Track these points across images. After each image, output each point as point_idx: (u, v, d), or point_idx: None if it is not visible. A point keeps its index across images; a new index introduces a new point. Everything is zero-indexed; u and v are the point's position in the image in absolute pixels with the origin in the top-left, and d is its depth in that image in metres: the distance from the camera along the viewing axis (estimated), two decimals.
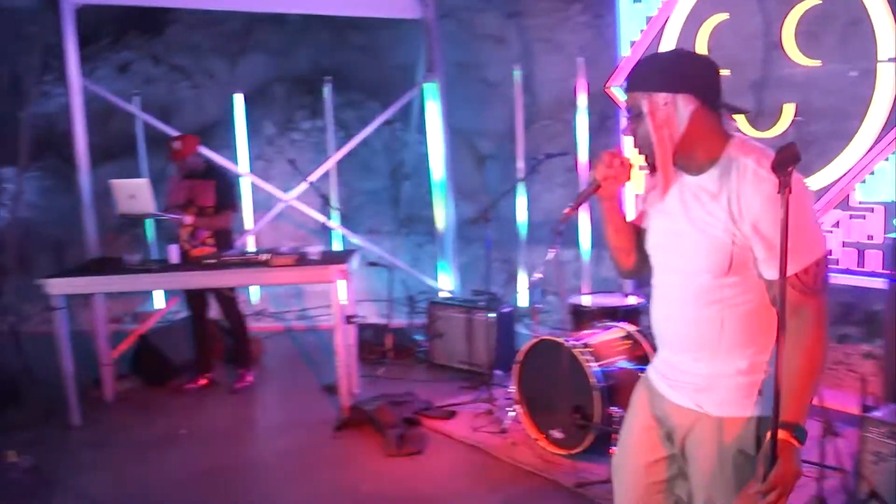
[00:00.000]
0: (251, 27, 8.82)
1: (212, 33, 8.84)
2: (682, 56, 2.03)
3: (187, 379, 5.89)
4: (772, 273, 1.85)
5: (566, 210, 2.21)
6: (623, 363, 4.25)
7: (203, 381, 5.88)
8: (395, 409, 4.88)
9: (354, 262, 5.39)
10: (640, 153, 2.04)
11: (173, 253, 5.27)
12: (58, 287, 5.10)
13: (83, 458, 4.79)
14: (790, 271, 1.81)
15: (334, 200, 7.11)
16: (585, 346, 4.22)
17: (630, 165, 2.14)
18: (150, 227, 7.63)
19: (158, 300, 7.58)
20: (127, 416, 5.52)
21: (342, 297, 5.02)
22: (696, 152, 1.96)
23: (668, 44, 5.38)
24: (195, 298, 5.77)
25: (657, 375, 2.20)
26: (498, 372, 5.45)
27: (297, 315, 7.81)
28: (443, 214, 7.26)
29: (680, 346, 2.08)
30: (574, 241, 6.49)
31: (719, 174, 1.93)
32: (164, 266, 5.29)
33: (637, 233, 2.25)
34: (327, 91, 7.43)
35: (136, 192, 5.29)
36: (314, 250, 5.24)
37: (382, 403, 4.94)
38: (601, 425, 4.01)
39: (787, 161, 1.71)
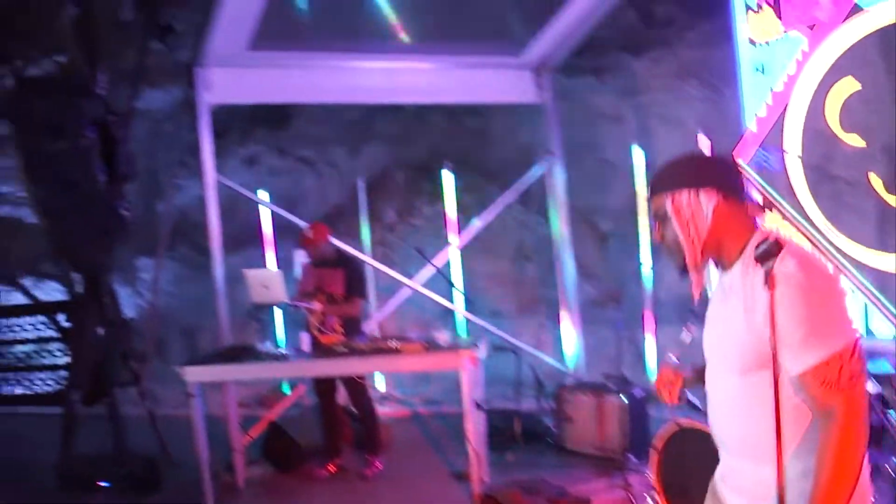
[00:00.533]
0: (371, 117, 9.11)
1: (333, 124, 9.17)
2: (698, 155, 2.20)
3: (317, 465, 5.93)
4: (793, 367, 1.79)
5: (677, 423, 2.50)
6: None
7: (332, 468, 5.90)
8: (528, 496, 4.75)
9: (482, 347, 5.36)
10: (669, 255, 2.05)
11: (305, 341, 5.36)
12: (195, 374, 5.26)
13: None
14: (807, 365, 1.76)
15: (459, 285, 7.14)
16: None
17: (677, 375, 2.32)
18: (278, 315, 7.83)
19: (285, 385, 7.73)
20: (258, 502, 5.58)
21: (471, 383, 4.98)
22: (724, 246, 1.97)
23: (795, 117, 5.26)
24: (323, 383, 5.84)
25: (721, 480, 2.12)
26: (632, 457, 5.27)
27: (424, 400, 7.80)
28: (567, 295, 7.18)
29: (734, 450, 2.01)
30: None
31: (742, 268, 1.92)
32: (296, 354, 5.39)
33: None
34: (446, 176, 7.55)
35: (269, 283, 5.46)
36: (442, 336, 5.24)
37: (515, 490, 4.82)
38: None
39: (767, 255, 1.73)
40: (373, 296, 7.70)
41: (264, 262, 7.66)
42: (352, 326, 5.64)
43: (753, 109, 5.60)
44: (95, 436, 6.57)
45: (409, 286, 7.19)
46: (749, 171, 5.78)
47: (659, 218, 2.02)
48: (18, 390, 10.22)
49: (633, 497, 4.73)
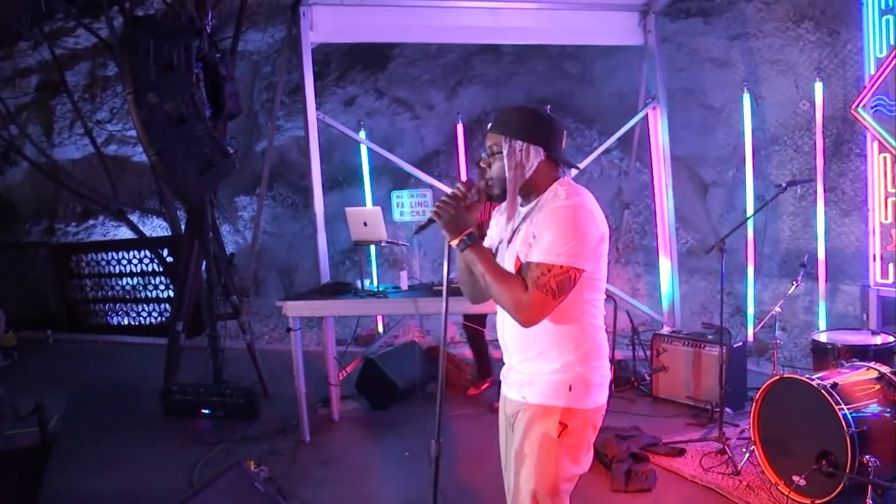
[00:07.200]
0: (468, 59, 9.02)
1: (431, 66, 9.12)
2: (540, 113, 2.45)
3: (470, 385, 6.38)
4: (530, 255, 2.31)
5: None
6: (875, 407, 3.90)
7: (486, 385, 6.30)
8: (621, 443, 4.72)
9: None
10: (487, 185, 2.46)
11: (403, 279, 5.41)
12: (295, 309, 5.37)
13: (313, 474, 4.96)
14: (534, 259, 2.29)
15: None
16: (834, 386, 3.92)
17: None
18: (373, 253, 7.91)
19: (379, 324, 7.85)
20: (353, 435, 5.71)
21: None
22: (533, 190, 2.42)
23: None
24: (472, 318, 6.20)
25: (503, 379, 2.65)
26: (728, 410, 5.17)
27: None
28: (665, 244, 7.02)
29: (512, 350, 2.55)
30: (809, 275, 6.11)
31: (539, 202, 2.40)
32: (393, 291, 5.44)
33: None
34: None
35: (369, 220, 5.50)
36: None
37: (608, 437, 4.79)
38: (852, 474, 3.70)
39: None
40: None
41: (362, 202, 7.72)
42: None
43: (875, 55, 5.33)
44: (197, 366, 6.83)
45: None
46: (864, 117, 5.52)
47: (492, 152, 2.43)
48: (126, 321, 10.71)
49: (729, 449, 4.65)
